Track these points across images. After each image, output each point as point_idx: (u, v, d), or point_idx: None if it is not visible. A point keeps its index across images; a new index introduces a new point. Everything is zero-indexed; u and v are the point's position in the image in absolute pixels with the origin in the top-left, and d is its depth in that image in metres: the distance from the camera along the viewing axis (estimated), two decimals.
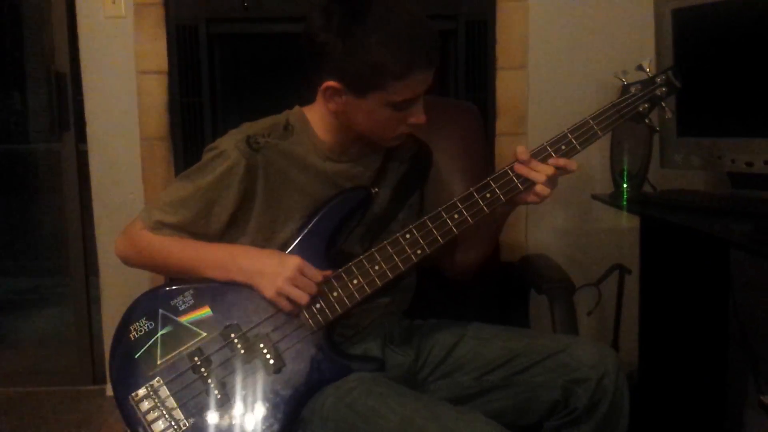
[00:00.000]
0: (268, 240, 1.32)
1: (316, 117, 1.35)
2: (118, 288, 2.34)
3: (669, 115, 1.38)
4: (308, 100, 1.37)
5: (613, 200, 1.89)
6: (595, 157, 2.13)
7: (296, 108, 1.38)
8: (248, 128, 1.33)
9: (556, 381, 1.26)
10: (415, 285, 1.48)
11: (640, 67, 1.36)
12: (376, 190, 1.37)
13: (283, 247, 1.30)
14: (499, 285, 1.81)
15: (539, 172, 1.26)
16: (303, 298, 1.23)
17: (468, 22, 2.21)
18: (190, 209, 1.29)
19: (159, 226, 1.30)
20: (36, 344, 3.09)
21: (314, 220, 1.30)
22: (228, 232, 1.33)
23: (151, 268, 1.38)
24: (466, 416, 1.12)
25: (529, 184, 1.27)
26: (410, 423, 1.11)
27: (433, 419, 1.11)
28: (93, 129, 2.32)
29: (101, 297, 2.42)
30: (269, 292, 1.23)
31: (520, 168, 1.27)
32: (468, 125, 1.86)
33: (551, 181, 1.28)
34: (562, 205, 2.29)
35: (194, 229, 1.30)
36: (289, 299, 1.23)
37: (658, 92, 1.34)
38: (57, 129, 2.50)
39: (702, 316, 1.89)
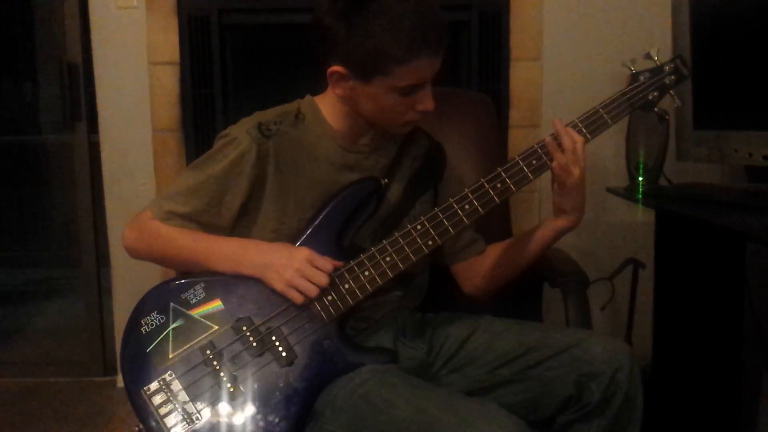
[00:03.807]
0: (276, 231, 1.31)
1: (327, 105, 1.34)
2: (129, 279, 2.35)
3: (678, 103, 1.37)
4: (321, 89, 1.36)
5: (628, 193, 1.88)
6: (610, 149, 2.11)
7: (307, 97, 1.38)
8: (259, 116, 1.33)
9: (570, 375, 1.24)
10: (427, 285, 1.48)
11: (648, 56, 1.35)
12: (386, 180, 1.36)
13: (292, 239, 1.29)
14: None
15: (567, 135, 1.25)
16: (312, 290, 1.22)
17: (482, 13, 2.21)
18: (202, 198, 1.29)
19: (170, 216, 1.29)
20: (47, 335, 3.10)
21: (324, 212, 1.30)
22: (239, 223, 1.32)
23: (158, 260, 1.35)
24: (479, 406, 1.11)
25: (540, 173, 1.26)
26: (424, 412, 1.10)
27: (447, 409, 1.09)
28: (105, 120, 2.33)
29: (112, 288, 2.43)
30: (278, 284, 1.22)
31: (550, 143, 1.26)
32: (481, 117, 1.85)
33: (577, 157, 1.25)
34: None
35: (205, 219, 1.29)
36: (299, 291, 1.22)
37: (666, 80, 1.34)
38: (69, 120, 2.51)
39: (717, 311, 1.88)
